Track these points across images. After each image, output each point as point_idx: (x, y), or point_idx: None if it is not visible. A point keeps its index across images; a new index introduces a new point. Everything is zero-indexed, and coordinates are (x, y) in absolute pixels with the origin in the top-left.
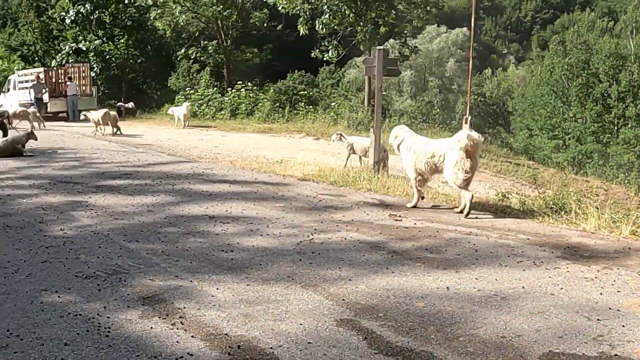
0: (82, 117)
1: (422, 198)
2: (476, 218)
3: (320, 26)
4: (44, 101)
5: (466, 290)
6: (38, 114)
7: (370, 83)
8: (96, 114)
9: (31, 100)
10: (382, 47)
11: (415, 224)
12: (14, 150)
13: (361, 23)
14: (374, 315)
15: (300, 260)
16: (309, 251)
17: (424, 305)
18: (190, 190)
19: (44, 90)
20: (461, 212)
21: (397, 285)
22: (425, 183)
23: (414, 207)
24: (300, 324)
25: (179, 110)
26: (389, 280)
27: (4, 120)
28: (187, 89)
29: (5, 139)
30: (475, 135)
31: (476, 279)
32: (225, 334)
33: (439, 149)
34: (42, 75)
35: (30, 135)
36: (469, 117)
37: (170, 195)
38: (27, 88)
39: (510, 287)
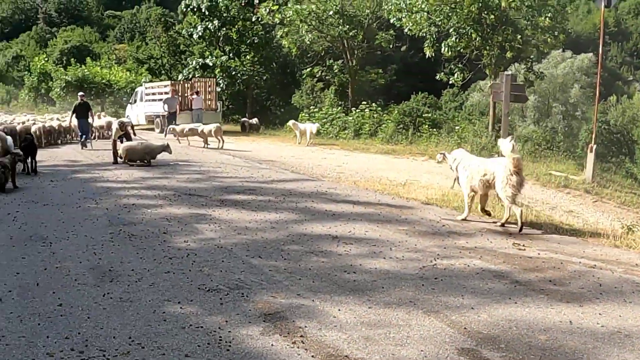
0: (169, 130)
1: (489, 214)
2: (600, 251)
3: (446, 49)
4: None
5: (589, 326)
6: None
7: (494, 108)
8: (208, 127)
9: (163, 113)
10: (509, 72)
11: (539, 254)
12: (143, 156)
13: (487, 47)
14: (496, 346)
15: (423, 285)
16: (432, 276)
17: (546, 339)
18: (313, 209)
19: (177, 105)
20: (502, 225)
21: (519, 316)
22: (474, 199)
23: (464, 219)
24: (421, 351)
25: (311, 127)
26: (511, 311)
27: (129, 129)
28: (310, 107)
29: (140, 141)
30: (518, 157)
31: (600, 314)
32: (346, 356)
33: (490, 168)
34: (177, 89)
35: (165, 148)
36: (594, 146)
37: (294, 213)
38: (153, 100)
39: (635, 324)
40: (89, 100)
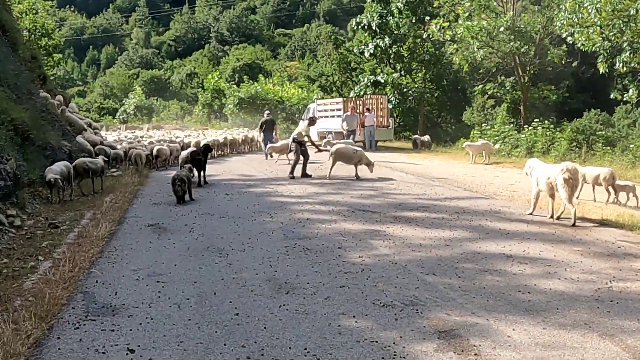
0: (269, 152)
1: (555, 218)
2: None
3: (621, 64)
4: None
5: None
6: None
7: None
8: (279, 143)
9: (337, 130)
10: None
11: None
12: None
13: None
14: None
15: (598, 307)
16: (607, 299)
17: None
18: (487, 227)
19: (357, 123)
20: (557, 218)
21: None
22: (538, 198)
23: (531, 214)
24: None
25: (488, 147)
26: None
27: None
28: (482, 125)
29: (355, 149)
30: (571, 165)
31: None
32: None
33: (553, 173)
34: (356, 107)
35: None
36: None
37: (467, 231)
38: (325, 117)
39: None
40: (262, 117)
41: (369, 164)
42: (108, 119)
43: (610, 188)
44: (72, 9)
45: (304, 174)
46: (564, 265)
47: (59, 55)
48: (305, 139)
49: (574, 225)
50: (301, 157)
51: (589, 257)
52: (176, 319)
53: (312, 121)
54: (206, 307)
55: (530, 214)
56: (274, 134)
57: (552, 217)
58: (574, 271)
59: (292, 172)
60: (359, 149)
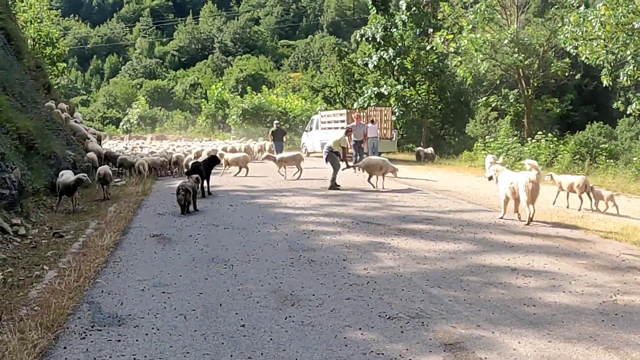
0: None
1: (528, 221)
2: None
3: (625, 77)
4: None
5: None
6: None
7: None
8: (287, 155)
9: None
10: None
11: None
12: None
13: None
14: None
15: (603, 321)
16: (612, 312)
17: None
18: (491, 240)
19: (363, 133)
20: (528, 223)
21: None
22: (507, 203)
23: (501, 218)
24: None
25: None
26: None
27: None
28: (485, 137)
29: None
30: (534, 176)
31: None
32: None
33: (515, 179)
34: (361, 116)
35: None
36: None
37: (472, 244)
38: (329, 128)
39: None
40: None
41: (394, 171)
42: (111, 129)
43: (586, 195)
44: (76, 18)
45: (333, 186)
46: (568, 279)
47: (63, 64)
48: (340, 149)
49: (528, 224)
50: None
51: (593, 270)
52: (182, 329)
53: (348, 132)
54: (212, 318)
55: (501, 218)
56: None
57: (519, 218)
58: (579, 284)
59: (333, 182)
60: (384, 158)
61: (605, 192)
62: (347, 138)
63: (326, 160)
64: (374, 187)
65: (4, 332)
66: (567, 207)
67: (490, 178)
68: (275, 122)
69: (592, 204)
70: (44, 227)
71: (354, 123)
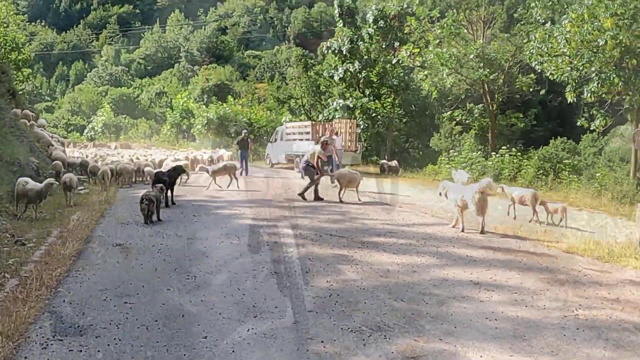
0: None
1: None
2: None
3: (589, 94)
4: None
5: None
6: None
7: (637, 155)
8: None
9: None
10: None
11: None
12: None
13: (630, 92)
14: None
15: (565, 335)
16: (574, 327)
17: None
18: (454, 253)
19: (337, 145)
20: (481, 233)
21: None
22: (462, 213)
23: (454, 226)
24: None
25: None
26: None
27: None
28: (450, 151)
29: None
30: (484, 185)
31: None
32: None
33: (466, 192)
34: (336, 129)
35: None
36: None
37: (435, 257)
38: (294, 140)
39: None
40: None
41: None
42: (75, 136)
43: (537, 207)
44: (42, 24)
45: (303, 194)
46: (530, 293)
47: (28, 70)
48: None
49: (481, 233)
50: (307, 178)
51: (555, 285)
52: (144, 340)
53: (324, 144)
54: (174, 330)
55: (453, 226)
56: (248, 152)
57: (462, 230)
58: (541, 299)
59: (305, 190)
60: (356, 171)
61: (557, 205)
62: (322, 150)
63: (304, 174)
64: (340, 200)
65: None
66: (515, 218)
67: (440, 194)
68: (244, 131)
69: (547, 217)
70: (6, 234)
71: (329, 135)
